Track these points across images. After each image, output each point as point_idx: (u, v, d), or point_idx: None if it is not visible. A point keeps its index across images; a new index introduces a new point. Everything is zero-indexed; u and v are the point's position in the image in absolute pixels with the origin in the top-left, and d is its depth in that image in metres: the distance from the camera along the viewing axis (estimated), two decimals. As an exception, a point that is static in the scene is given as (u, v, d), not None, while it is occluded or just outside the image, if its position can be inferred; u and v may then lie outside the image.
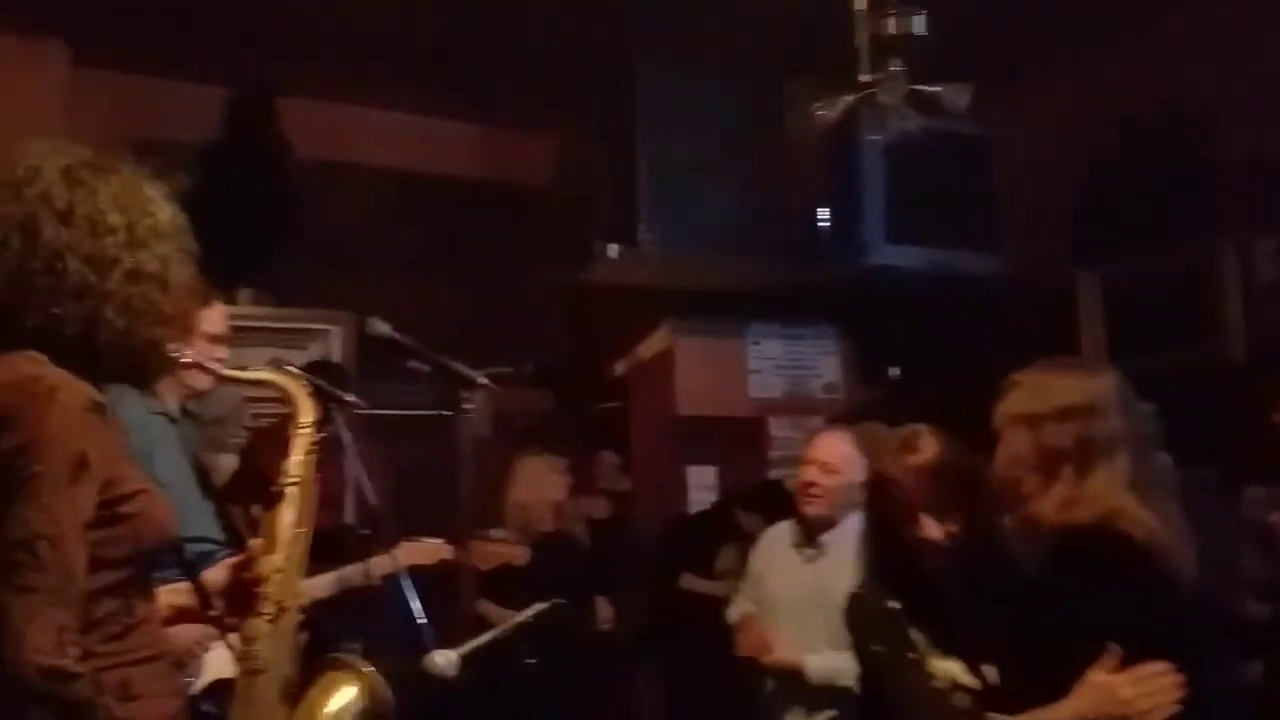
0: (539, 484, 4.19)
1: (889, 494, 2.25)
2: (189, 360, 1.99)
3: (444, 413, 2.95)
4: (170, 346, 1.69)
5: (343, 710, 1.70)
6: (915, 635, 2.07)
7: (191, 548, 2.05)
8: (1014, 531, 1.96)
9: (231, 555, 2.44)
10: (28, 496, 1.36)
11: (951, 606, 2.07)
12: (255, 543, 1.74)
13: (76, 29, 4.60)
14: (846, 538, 3.07)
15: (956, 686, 1.98)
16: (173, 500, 2.00)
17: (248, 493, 3.47)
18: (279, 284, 4.88)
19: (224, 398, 4.60)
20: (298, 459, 1.79)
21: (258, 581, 1.68)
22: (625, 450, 5.55)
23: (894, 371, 5.80)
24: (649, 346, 5.74)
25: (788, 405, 5.83)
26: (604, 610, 4.36)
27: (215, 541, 2.39)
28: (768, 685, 3.22)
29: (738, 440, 5.62)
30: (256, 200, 4.72)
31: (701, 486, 5.71)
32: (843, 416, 5.89)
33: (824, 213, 5.42)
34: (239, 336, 4.61)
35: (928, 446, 2.22)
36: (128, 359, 1.56)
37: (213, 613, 1.81)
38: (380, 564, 3.04)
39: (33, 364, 1.44)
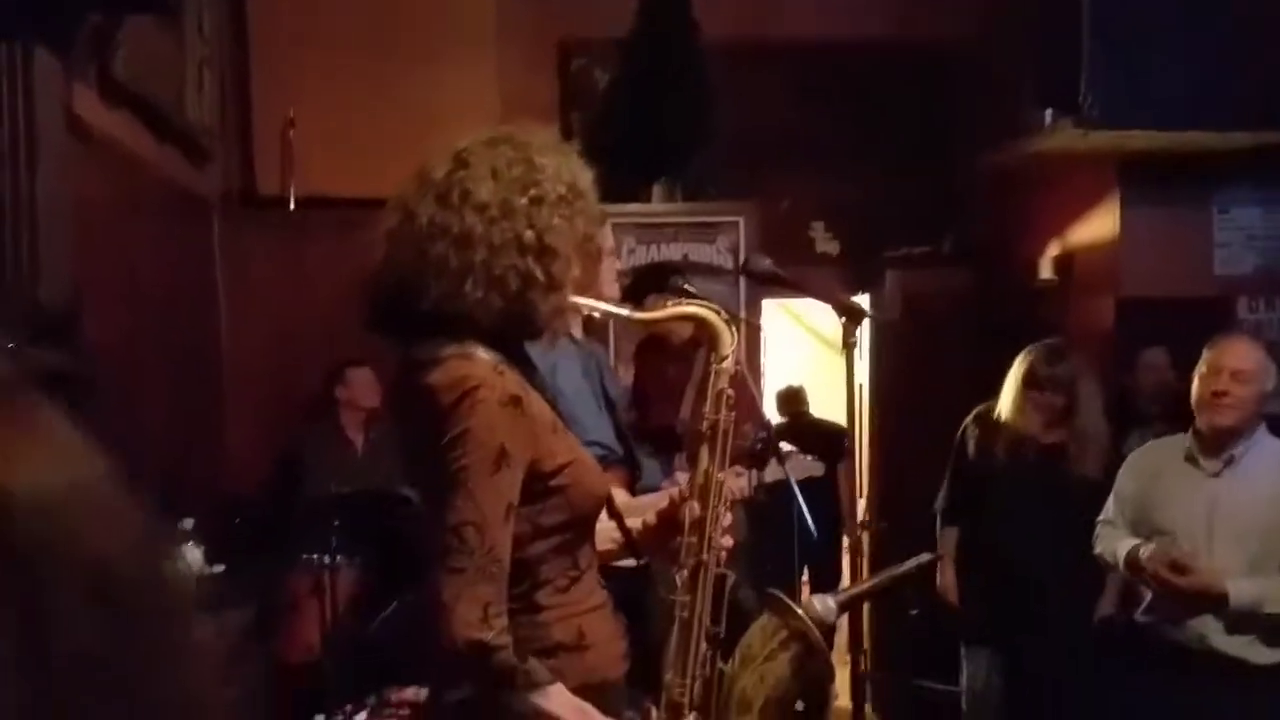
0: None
1: None
2: (596, 312, 2.09)
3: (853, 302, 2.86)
4: (573, 304, 1.76)
5: (778, 657, 1.69)
6: None
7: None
8: None
9: (621, 464, 2.62)
10: (457, 486, 1.51)
11: None
12: (675, 492, 1.78)
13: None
14: (1261, 453, 2.92)
15: None
16: (570, 407, 2.14)
17: (653, 355, 3.57)
18: (691, 176, 4.91)
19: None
20: (718, 393, 1.74)
21: (679, 530, 1.71)
22: (1062, 334, 5.06)
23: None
24: (1090, 220, 5.11)
25: (1261, 283, 4.98)
26: None
27: (608, 448, 2.58)
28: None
29: (1195, 323, 4.90)
30: (668, 95, 4.74)
31: (1151, 367, 5.13)
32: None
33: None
34: (651, 233, 4.79)
35: None
36: (517, 329, 1.62)
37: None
38: (772, 473, 3.12)
39: (464, 363, 1.54)
